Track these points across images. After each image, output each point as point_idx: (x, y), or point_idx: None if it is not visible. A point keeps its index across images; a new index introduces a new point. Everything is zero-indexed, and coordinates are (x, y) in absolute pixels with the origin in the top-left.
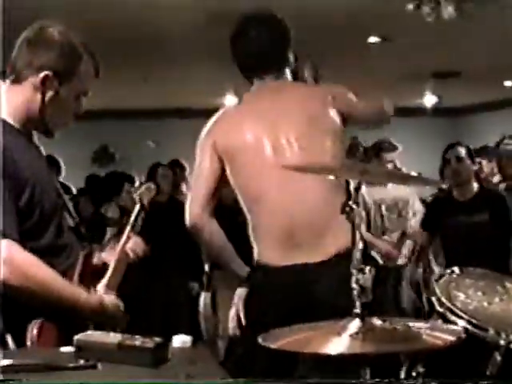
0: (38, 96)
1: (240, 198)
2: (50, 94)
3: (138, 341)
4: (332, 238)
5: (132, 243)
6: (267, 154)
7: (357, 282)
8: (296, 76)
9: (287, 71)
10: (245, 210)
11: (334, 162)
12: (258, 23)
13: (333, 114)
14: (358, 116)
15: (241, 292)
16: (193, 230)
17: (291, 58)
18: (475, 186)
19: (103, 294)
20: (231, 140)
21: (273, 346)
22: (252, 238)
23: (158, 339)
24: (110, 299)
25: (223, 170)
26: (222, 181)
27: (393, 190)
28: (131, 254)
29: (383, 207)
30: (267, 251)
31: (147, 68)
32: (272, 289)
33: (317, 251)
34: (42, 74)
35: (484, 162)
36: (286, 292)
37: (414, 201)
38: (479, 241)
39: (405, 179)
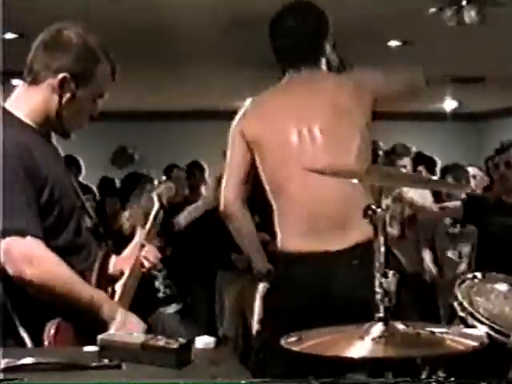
0: (56, 98)
1: (266, 186)
2: (67, 96)
3: (161, 341)
4: (353, 228)
5: (145, 252)
6: (292, 145)
7: (380, 285)
8: (329, 65)
9: (323, 62)
10: (270, 198)
11: (358, 162)
12: (296, 13)
13: (364, 102)
14: (388, 92)
15: (260, 288)
16: (224, 216)
17: (328, 48)
18: None
19: (120, 293)
20: (259, 129)
21: (295, 348)
22: (276, 227)
23: (181, 340)
24: (131, 315)
25: (253, 158)
26: (253, 168)
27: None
28: (146, 263)
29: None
30: (289, 239)
31: (168, 69)
32: (293, 277)
33: (338, 240)
34: (59, 76)
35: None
36: (306, 281)
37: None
38: None
39: (428, 184)
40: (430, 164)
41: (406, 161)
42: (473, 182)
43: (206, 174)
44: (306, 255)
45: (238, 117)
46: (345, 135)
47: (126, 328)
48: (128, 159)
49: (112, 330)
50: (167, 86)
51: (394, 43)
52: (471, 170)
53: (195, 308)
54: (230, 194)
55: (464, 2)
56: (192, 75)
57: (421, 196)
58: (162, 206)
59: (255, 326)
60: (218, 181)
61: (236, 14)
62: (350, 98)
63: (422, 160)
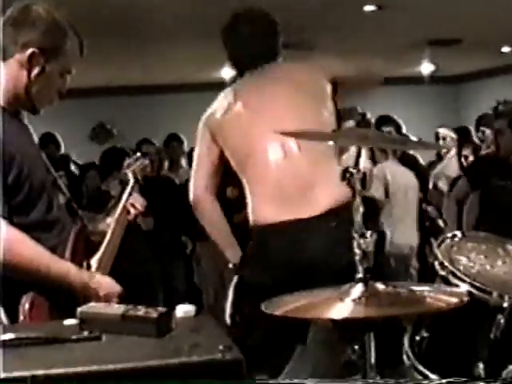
0: (24, 73)
1: (232, 162)
2: (35, 70)
3: (141, 311)
4: (321, 192)
5: (132, 199)
6: (254, 118)
7: (359, 246)
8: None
9: (279, 57)
10: (239, 173)
11: (328, 127)
12: (247, 20)
13: (321, 81)
14: (347, 78)
15: (234, 280)
16: (194, 208)
17: (279, 48)
18: None
19: (96, 268)
20: (222, 118)
21: (276, 312)
22: (248, 201)
23: (161, 309)
24: (102, 277)
25: (221, 150)
26: (221, 160)
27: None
28: (132, 210)
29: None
30: (260, 212)
31: (145, 43)
32: (268, 250)
33: (307, 205)
34: (28, 51)
35: (487, 132)
36: (282, 252)
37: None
38: None
39: (405, 144)
40: (397, 126)
41: (351, 123)
42: (442, 143)
43: (185, 146)
44: (279, 226)
45: (203, 116)
46: (307, 107)
47: (101, 292)
48: (107, 135)
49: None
50: (144, 59)
51: (369, 8)
52: (442, 131)
53: (175, 278)
54: (198, 187)
55: None
56: (168, 48)
57: (403, 177)
58: (136, 181)
59: (227, 320)
60: None
61: None
62: (308, 73)
63: (388, 122)
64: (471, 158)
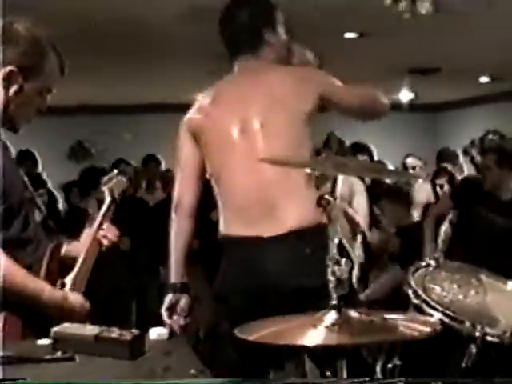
0: (1, 90)
1: (208, 172)
2: (14, 88)
3: (115, 333)
4: (287, 214)
5: (103, 230)
6: (231, 132)
7: (333, 273)
8: (283, 58)
9: (267, 52)
10: (213, 184)
11: (296, 152)
12: (240, 3)
13: (306, 95)
14: (342, 102)
15: (166, 300)
16: (173, 212)
17: (269, 37)
18: None
19: (70, 287)
20: (201, 121)
21: (250, 338)
22: (219, 212)
23: (135, 331)
24: (75, 296)
25: (202, 154)
26: (203, 164)
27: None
28: (104, 241)
29: None
30: (228, 224)
31: (125, 62)
32: (232, 262)
33: (271, 227)
34: (7, 69)
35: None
36: (243, 265)
37: (359, 198)
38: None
39: (382, 173)
40: (369, 154)
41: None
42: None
43: (162, 166)
44: (242, 240)
45: (185, 117)
46: (281, 125)
47: (74, 312)
48: (85, 154)
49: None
50: (124, 79)
51: (350, 35)
52: (409, 161)
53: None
54: (180, 195)
55: None
56: (148, 68)
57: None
58: (113, 200)
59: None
60: None
61: (195, 6)
62: (289, 88)
63: (363, 150)
64: (446, 187)
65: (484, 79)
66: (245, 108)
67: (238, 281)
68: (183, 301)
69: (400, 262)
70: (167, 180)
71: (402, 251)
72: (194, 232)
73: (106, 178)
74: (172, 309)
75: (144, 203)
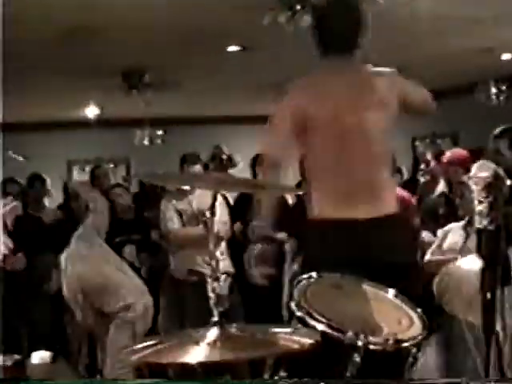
0: None
1: (306, 157)
2: None
3: None
4: (383, 200)
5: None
6: (335, 124)
7: (213, 290)
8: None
9: (358, 53)
10: (308, 169)
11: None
12: (340, 8)
13: (393, 97)
14: (413, 103)
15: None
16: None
17: (361, 40)
18: None
19: None
20: (309, 106)
21: (133, 358)
22: (312, 200)
23: (16, 356)
24: None
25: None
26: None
27: (196, 202)
28: None
29: (184, 218)
30: (324, 207)
31: (11, 80)
32: (325, 244)
33: (371, 210)
34: None
35: None
36: (338, 248)
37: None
38: None
39: (262, 187)
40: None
41: (198, 167)
42: None
43: (48, 185)
44: (338, 222)
45: (287, 94)
46: (379, 123)
47: None
48: None
49: None
50: (7, 96)
51: (233, 48)
52: None
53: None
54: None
55: (298, 7)
56: (31, 85)
57: None
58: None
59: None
60: None
61: (77, 25)
62: (388, 91)
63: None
64: None
65: None
66: (351, 104)
67: (334, 261)
68: (271, 251)
69: None
70: None
71: None
72: None
73: None
74: (260, 258)
75: (38, 220)
